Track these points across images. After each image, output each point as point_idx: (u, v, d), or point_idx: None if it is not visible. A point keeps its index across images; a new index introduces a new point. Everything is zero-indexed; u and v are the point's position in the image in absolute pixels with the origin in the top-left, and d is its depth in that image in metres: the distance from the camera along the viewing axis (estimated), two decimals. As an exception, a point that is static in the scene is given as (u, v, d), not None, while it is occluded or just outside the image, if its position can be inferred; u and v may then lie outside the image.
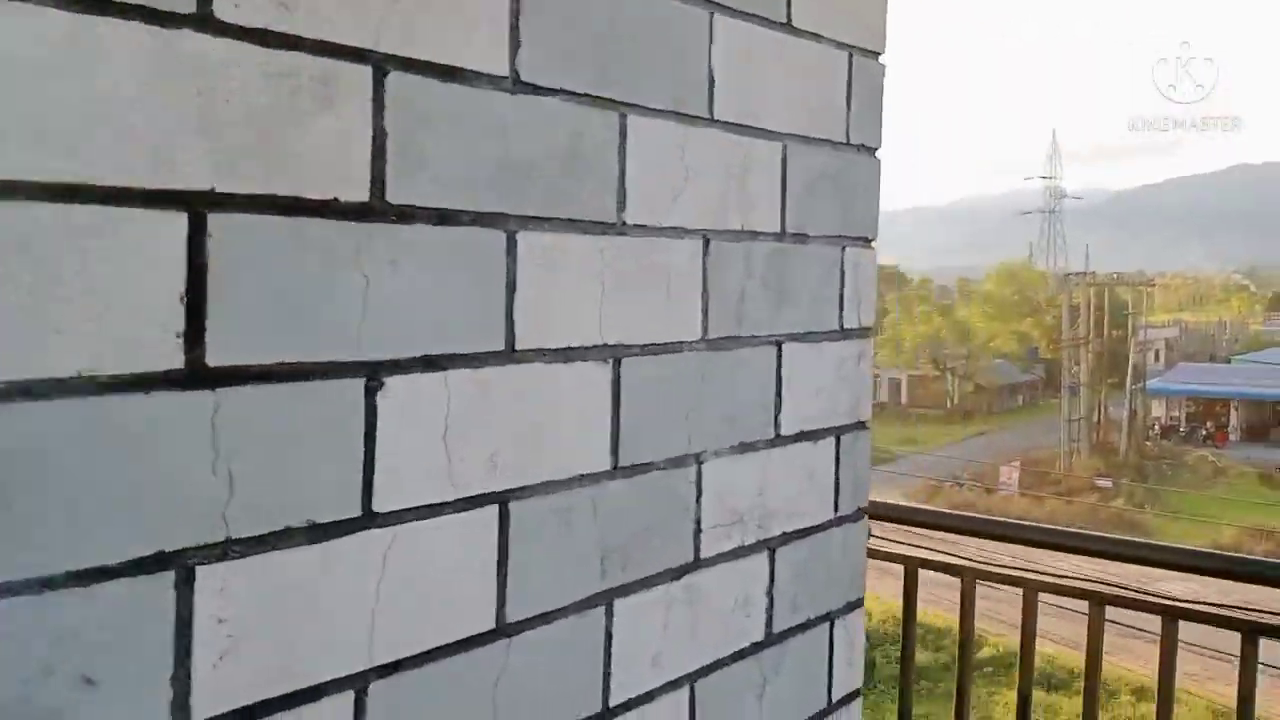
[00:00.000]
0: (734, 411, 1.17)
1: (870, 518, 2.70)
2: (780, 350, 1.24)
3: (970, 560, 2.55)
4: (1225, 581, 2.24)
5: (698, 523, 1.13)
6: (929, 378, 54.56)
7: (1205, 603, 2.19)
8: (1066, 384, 36.86)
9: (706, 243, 1.13)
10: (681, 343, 1.10)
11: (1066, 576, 2.40)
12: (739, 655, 1.20)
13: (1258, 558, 2.23)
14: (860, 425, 1.38)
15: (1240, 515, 26.84)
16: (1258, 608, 2.22)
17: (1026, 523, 2.59)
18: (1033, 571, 2.41)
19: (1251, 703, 2.15)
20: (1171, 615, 2.19)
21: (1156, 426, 41.20)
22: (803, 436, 1.28)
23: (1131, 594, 2.28)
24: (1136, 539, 2.35)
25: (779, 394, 1.24)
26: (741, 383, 1.18)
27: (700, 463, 1.13)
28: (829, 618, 1.34)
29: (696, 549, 1.13)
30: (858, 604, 1.39)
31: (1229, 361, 51.32)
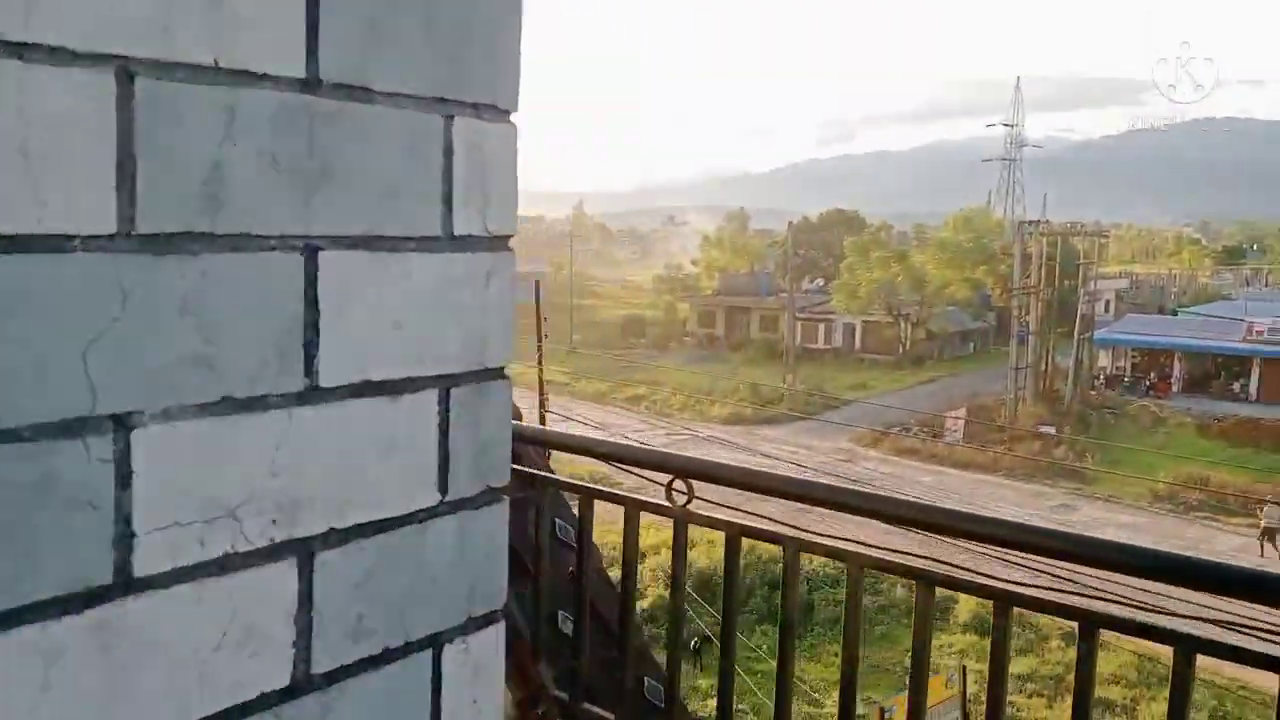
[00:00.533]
0: (208, 350, 0.76)
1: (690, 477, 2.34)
2: (315, 260, 0.82)
3: (796, 530, 2.19)
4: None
5: (125, 523, 0.73)
6: (882, 324, 54.80)
7: (1041, 587, 1.86)
8: (1016, 332, 37.03)
9: (129, 79, 0.70)
10: (70, 238, 0.68)
11: (898, 552, 2.05)
12: (238, 712, 0.81)
13: (1095, 537, 1.88)
14: (491, 374, 0.98)
15: (1176, 467, 27.24)
16: (1098, 595, 1.89)
17: (842, 486, 2.24)
18: (857, 543, 2.06)
19: (1088, 697, 1.83)
20: (1006, 601, 1.84)
21: (1101, 376, 41.71)
22: (369, 389, 0.87)
23: (965, 575, 1.94)
24: (966, 511, 2.00)
25: (314, 326, 0.83)
26: (225, 305, 0.77)
27: (128, 428, 0.72)
28: (435, 642, 0.95)
29: (123, 563, 0.73)
30: (490, 619, 1.00)
31: (1175, 313, 52.16)
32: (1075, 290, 39.45)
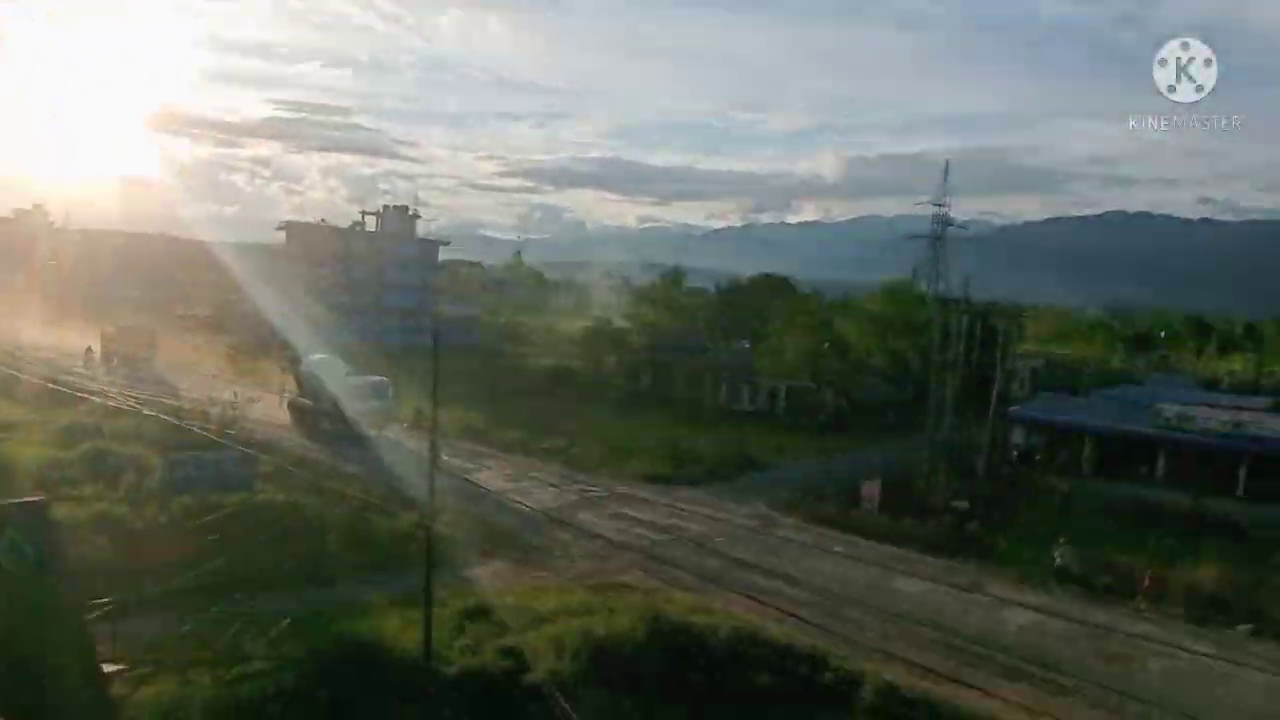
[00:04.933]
0: None
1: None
2: None
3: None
4: None
5: None
6: (806, 390, 55.26)
7: None
8: (933, 406, 37.48)
9: None
10: None
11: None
12: None
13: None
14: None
15: (1082, 547, 27.55)
16: None
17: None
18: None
19: None
20: None
21: (1015, 453, 42.43)
22: None
23: None
24: None
25: None
26: None
27: None
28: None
29: None
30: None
31: (1086, 394, 53.63)
32: (993, 367, 40.26)
